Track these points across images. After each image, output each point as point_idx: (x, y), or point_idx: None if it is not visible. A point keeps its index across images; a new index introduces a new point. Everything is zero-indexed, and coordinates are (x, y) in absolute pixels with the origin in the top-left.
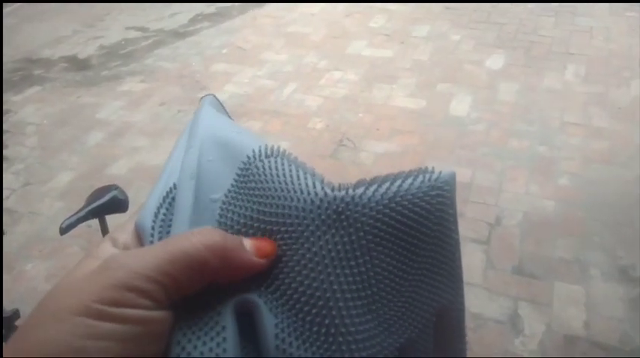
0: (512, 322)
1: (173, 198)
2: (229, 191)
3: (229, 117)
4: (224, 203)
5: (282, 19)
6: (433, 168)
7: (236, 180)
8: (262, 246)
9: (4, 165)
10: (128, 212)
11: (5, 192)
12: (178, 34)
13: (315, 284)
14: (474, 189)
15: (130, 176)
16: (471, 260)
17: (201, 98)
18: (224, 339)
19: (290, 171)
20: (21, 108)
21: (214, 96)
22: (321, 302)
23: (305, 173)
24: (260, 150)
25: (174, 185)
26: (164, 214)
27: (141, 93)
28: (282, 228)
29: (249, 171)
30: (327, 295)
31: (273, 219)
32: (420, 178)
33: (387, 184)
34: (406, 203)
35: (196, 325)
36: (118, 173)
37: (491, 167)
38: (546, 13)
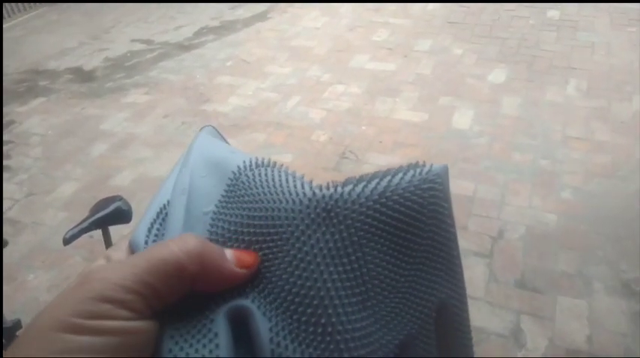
0: (515, 336)
1: (166, 214)
2: (220, 202)
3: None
4: (215, 213)
5: (285, 32)
6: (424, 162)
7: (226, 191)
8: (243, 257)
9: (8, 176)
10: (132, 223)
11: (8, 203)
12: (183, 47)
13: (308, 284)
14: (476, 203)
15: (133, 187)
16: (474, 273)
17: (200, 129)
18: (217, 346)
19: (279, 177)
20: (26, 119)
21: (213, 127)
22: (315, 302)
23: (293, 178)
24: (248, 162)
25: (168, 202)
26: (157, 230)
27: (145, 105)
28: (272, 230)
29: (239, 182)
30: (321, 293)
31: (263, 223)
32: (411, 173)
33: (377, 180)
34: (397, 197)
35: (188, 332)
36: (122, 184)
37: (493, 180)
38: (548, 28)
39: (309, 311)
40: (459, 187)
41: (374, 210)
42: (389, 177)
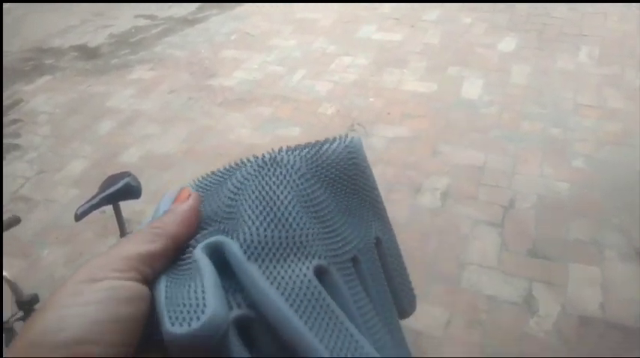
0: (527, 303)
1: None
2: None
3: None
4: None
5: (290, 4)
6: (347, 134)
7: None
8: (180, 197)
9: (19, 154)
10: (140, 199)
11: (20, 181)
12: (187, 22)
13: (271, 205)
14: (486, 173)
15: (141, 163)
16: (485, 243)
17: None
18: (201, 275)
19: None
20: (32, 97)
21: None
22: (280, 215)
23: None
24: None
25: None
26: None
27: (150, 81)
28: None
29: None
30: (285, 211)
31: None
32: (337, 142)
33: (311, 147)
34: (328, 160)
35: (176, 275)
36: (130, 161)
37: (503, 150)
38: None
39: (275, 220)
40: (469, 157)
41: (315, 165)
42: (318, 146)
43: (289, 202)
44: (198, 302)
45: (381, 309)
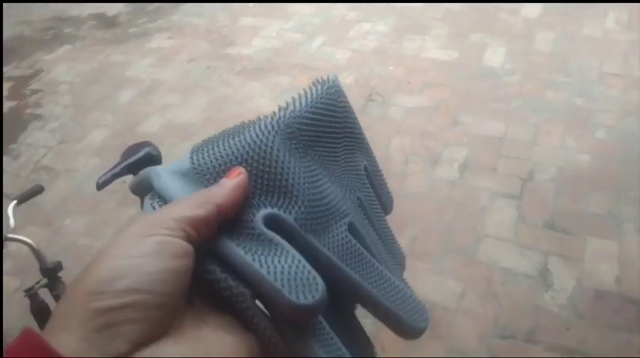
0: (543, 276)
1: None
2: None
3: None
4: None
5: None
6: (327, 76)
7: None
8: (231, 174)
9: (40, 124)
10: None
11: (42, 150)
12: None
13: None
14: (506, 144)
15: (161, 133)
16: (503, 215)
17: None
18: (270, 241)
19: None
20: (53, 66)
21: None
22: (318, 196)
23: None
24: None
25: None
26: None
27: (169, 50)
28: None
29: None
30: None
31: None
32: (320, 86)
33: (302, 96)
34: (320, 104)
35: (245, 241)
36: (150, 130)
37: (525, 120)
38: None
39: (316, 200)
40: (489, 128)
41: (311, 113)
42: (308, 91)
43: (320, 175)
44: (308, 276)
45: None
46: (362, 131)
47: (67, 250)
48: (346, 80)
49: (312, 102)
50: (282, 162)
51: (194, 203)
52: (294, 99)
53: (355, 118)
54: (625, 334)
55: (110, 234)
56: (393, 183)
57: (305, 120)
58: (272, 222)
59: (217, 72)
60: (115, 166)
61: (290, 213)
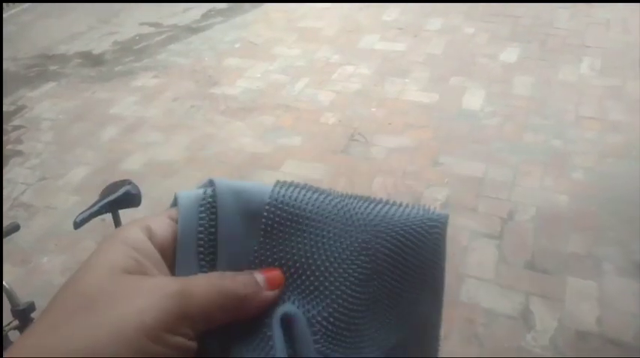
0: (524, 317)
1: (213, 204)
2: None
3: None
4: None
5: (294, 13)
6: (430, 206)
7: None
8: (272, 278)
9: (20, 160)
10: (141, 206)
11: (21, 187)
12: (191, 30)
13: (340, 300)
14: (487, 184)
15: (143, 171)
16: (484, 255)
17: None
18: (271, 348)
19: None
20: (37, 103)
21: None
22: (344, 317)
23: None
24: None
25: (213, 188)
26: (207, 217)
27: (154, 89)
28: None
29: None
30: (349, 310)
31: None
32: (422, 211)
33: (395, 208)
34: (413, 229)
35: (249, 345)
36: (132, 168)
37: (504, 161)
38: (562, 5)
39: (339, 323)
40: (469, 169)
41: (395, 233)
42: (403, 208)
43: (355, 303)
44: None
45: None
46: (442, 281)
47: (42, 289)
48: (329, 121)
49: (405, 222)
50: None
51: (227, 304)
52: (389, 203)
53: (442, 266)
54: None
55: None
56: None
57: (389, 238)
58: (286, 321)
59: (201, 111)
60: (94, 204)
61: (314, 324)
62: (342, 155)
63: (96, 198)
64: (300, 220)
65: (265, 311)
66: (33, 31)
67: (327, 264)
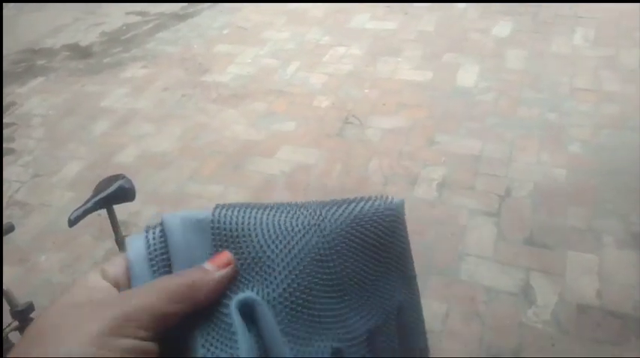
0: (525, 293)
1: (162, 233)
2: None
3: None
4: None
5: None
6: (387, 196)
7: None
8: (220, 258)
9: (13, 158)
10: (136, 200)
11: (15, 185)
12: (179, 17)
13: (299, 280)
14: (483, 161)
15: (137, 163)
16: (482, 233)
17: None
18: (235, 341)
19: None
20: (26, 99)
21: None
22: (305, 295)
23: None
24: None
25: (161, 223)
26: (159, 248)
27: (144, 79)
28: (272, 234)
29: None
30: (311, 290)
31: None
32: (378, 202)
33: (353, 204)
34: (368, 220)
35: (209, 333)
36: (126, 161)
37: (500, 137)
38: None
39: (301, 301)
40: (465, 146)
41: (351, 228)
42: (362, 203)
43: (314, 280)
44: None
45: None
46: (411, 264)
47: (41, 288)
48: (322, 104)
49: (363, 214)
50: (297, 257)
51: (175, 295)
52: (347, 202)
53: (407, 250)
54: (609, 347)
55: (86, 270)
56: None
57: (343, 233)
58: (248, 307)
59: (193, 100)
60: (87, 201)
61: (270, 307)
62: (336, 138)
63: (91, 193)
64: (247, 230)
65: (223, 301)
66: (17, 26)
67: (283, 251)
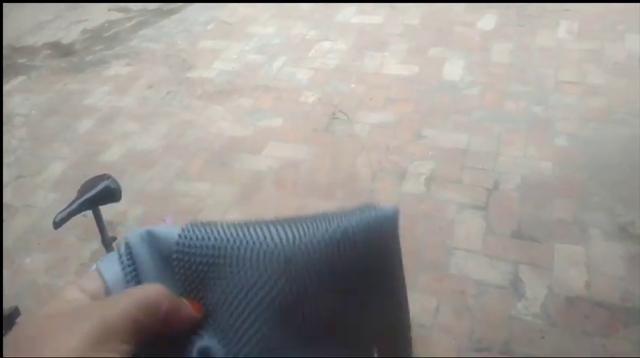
0: (514, 286)
1: (131, 253)
2: (178, 244)
3: None
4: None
5: None
6: (375, 205)
7: (180, 235)
8: (194, 306)
9: None
10: (123, 200)
11: None
12: (162, 13)
13: (262, 332)
14: (470, 155)
15: (122, 162)
16: (470, 226)
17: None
18: None
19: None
20: (8, 98)
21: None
22: (268, 348)
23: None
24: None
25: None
26: (129, 266)
27: (128, 77)
28: (236, 272)
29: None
30: (274, 342)
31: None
32: (363, 221)
33: (332, 225)
34: (349, 249)
35: None
36: (111, 159)
37: (487, 131)
38: None
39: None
40: (452, 140)
41: (327, 265)
42: (343, 226)
43: (280, 333)
44: None
45: None
46: (402, 282)
47: (27, 290)
48: (309, 99)
49: (341, 246)
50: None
51: (153, 306)
52: (327, 220)
53: (397, 267)
54: (598, 338)
55: (72, 271)
56: (361, 201)
57: (316, 274)
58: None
59: (178, 97)
60: (72, 203)
61: (232, 346)
62: (324, 134)
63: (75, 193)
64: (211, 260)
65: (187, 346)
66: None
67: (245, 301)
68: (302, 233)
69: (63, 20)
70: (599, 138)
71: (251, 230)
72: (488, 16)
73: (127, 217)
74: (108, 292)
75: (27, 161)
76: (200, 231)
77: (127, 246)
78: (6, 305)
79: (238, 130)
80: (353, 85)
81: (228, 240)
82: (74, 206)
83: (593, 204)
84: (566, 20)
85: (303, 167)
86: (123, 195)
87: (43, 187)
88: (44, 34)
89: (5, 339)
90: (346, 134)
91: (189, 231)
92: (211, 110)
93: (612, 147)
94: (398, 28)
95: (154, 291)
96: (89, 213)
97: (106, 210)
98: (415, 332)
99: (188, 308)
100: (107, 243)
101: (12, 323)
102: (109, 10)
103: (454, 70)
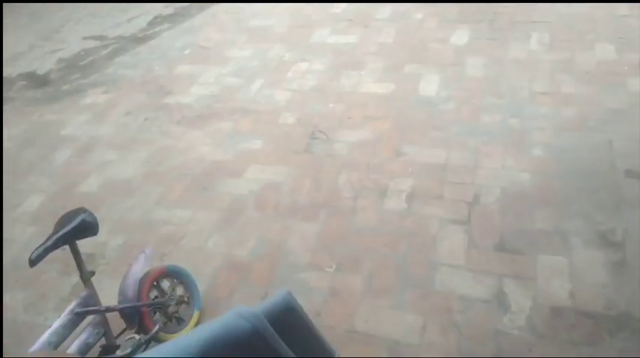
0: (499, 300)
1: None
2: None
3: None
4: None
5: (242, 12)
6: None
7: None
8: None
9: None
10: (102, 231)
11: None
12: (138, 39)
13: None
14: (449, 170)
15: (101, 192)
16: (454, 241)
17: None
18: None
19: None
20: None
21: None
22: None
23: None
24: None
25: None
26: None
27: (105, 105)
28: None
29: None
30: None
31: None
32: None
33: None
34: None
35: None
36: (90, 190)
37: (465, 145)
38: None
39: None
40: (431, 156)
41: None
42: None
43: None
44: None
45: None
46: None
47: (5, 327)
48: (288, 121)
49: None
50: None
51: None
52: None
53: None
54: (585, 348)
55: (51, 308)
56: (344, 220)
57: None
58: None
59: (156, 123)
60: (48, 238)
61: None
62: (304, 154)
63: (53, 227)
64: None
65: None
66: None
67: None
68: None
69: (38, 50)
70: (574, 147)
71: None
72: (460, 32)
73: (107, 248)
74: None
75: (4, 195)
76: None
77: None
78: None
79: (218, 154)
80: (331, 105)
81: None
82: (50, 242)
83: (572, 213)
84: (537, 32)
85: (285, 189)
86: (102, 225)
87: (21, 221)
88: (19, 65)
89: None
90: (326, 154)
91: None
92: (190, 135)
93: (587, 154)
94: (373, 46)
95: None
96: (67, 247)
97: (86, 242)
98: (404, 352)
99: None
100: (85, 278)
101: None
102: (84, 38)
103: (430, 86)
